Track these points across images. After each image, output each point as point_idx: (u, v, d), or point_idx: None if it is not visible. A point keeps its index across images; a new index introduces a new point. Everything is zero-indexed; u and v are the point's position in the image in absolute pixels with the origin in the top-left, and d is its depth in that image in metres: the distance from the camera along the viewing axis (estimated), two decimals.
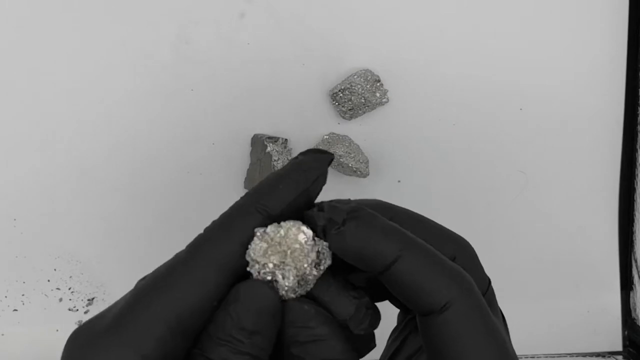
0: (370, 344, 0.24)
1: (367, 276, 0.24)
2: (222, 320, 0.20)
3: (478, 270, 0.24)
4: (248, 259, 0.21)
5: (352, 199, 0.24)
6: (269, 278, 0.21)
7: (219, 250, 0.20)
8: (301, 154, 0.23)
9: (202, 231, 0.21)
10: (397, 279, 0.21)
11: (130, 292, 0.21)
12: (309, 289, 0.22)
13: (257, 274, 0.21)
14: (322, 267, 0.22)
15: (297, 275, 0.21)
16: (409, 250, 0.21)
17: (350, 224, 0.21)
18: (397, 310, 0.27)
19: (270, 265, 0.21)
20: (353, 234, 0.21)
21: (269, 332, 0.21)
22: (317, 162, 0.22)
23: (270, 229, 0.21)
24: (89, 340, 0.20)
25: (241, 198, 0.22)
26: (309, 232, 0.21)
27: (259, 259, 0.21)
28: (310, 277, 0.21)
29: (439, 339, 0.21)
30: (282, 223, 0.21)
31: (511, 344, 0.22)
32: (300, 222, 0.22)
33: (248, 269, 0.21)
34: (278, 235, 0.21)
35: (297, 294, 0.21)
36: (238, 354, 0.20)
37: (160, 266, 0.21)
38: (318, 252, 0.21)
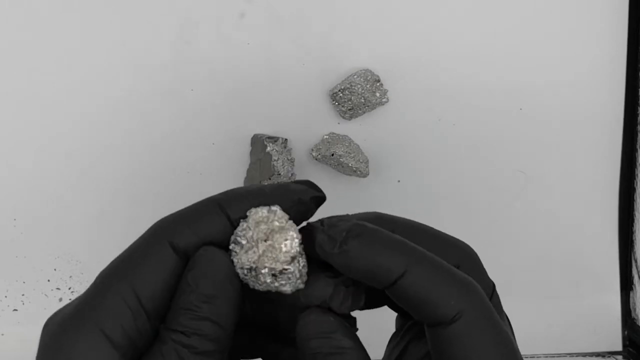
0: (353, 329, 0.25)
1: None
2: (181, 290, 0.20)
3: (482, 276, 0.24)
4: (248, 213, 0.21)
5: (354, 203, 0.24)
6: (242, 242, 0.21)
7: (178, 238, 0.21)
8: (297, 182, 0.23)
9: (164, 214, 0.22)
10: (405, 292, 0.21)
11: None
12: (255, 287, 0.22)
13: (241, 229, 0.21)
14: (275, 284, 0.21)
15: (253, 262, 0.21)
16: (415, 263, 0.21)
17: (353, 242, 0.21)
18: (395, 316, 0.27)
19: (253, 235, 0.21)
20: (357, 251, 0.21)
21: (228, 296, 0.21)
22: (305, 191, 0.22)
23: (279, 213, 0.22)
24: (58, 326, 0.20)
25: (217, 194, 0.22)
26: (292, 251, 0.21)
27: (251, 222, 0.21)
28: (261, 278, 0.21)
29: (447, 349, 0.20)
30: (289, 222, 0.22)
31: (519, 350, 0.22)
32: (296, 234, 0.21)
33: (246, 213, 0.22)
34: (276, 223, 0.21)
35: (242, 276, 0.21)
36: (196, 319, 0.20)
37: (122, 252, 0.22)
38: (283, 270, 0.21)
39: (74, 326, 0.20)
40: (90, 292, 0.21)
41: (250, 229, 0.21)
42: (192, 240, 0.21)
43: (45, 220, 0.43)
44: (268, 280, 0.21)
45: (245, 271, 0.21)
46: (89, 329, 0.20)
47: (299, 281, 0.21)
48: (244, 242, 0.21)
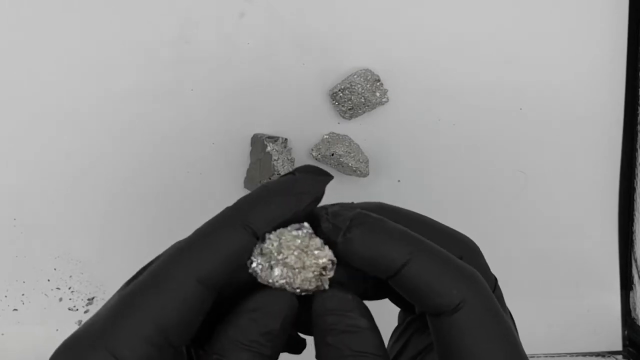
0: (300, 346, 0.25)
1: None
2: (245, 326, 0.20)
3: (484, 269, 0.24)
4: (273, 234, 0.21)
5: (355, 202, 0.24)
6: (272, 261, 0.21)
7: (201, 266, 0.20)
8: (299, 170, 0.22)
9: (183, 237, 0.21)
10: (408, 281, 0.21)
11: (114, 301, 0.20)
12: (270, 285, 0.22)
13: (267, 248, 0.21)
14: (302, 294, 0.22)
15: (287, 284, 0.21)
16: (419, 252, 0.21)
17: (357, 230, 0.21)
18: (397, 310, 0.27)
19: (286, 259, 0.21)
20: (360, 240, 0.21)
21: (287, 333, 0.21)
22: (315, 185, 0.22)
23: (315, 241, 0.21)
24: (75, 357, 0.19)
25: (228, 208, 0.21)
26: (330, 275, 0.21)
27: (283, 246, 0.21)
28: (288, 289, 0.21)
29: (450, 339, 0.20)
30: (326, 248, 0.21)
31: (520, 343, 0.22)
32: (332, 256, 0.21)
33: (267, 235, 0.21)
34: (315, 251, 0.21)
35: (265, 282, 0.21)
36: (261, 357, 0.20)
37: (142, 276, 0.21)
38: (317, 286, 0.21)
39: (93, 358, 0.19)
40: (109, 321, 0.20)
41: (282, 253, 0.21)
42: (215, 263, 0.20)
43: (45, 220, 0.43)
44: (297, 292, 0.21)
45: (276, 285, 0.21)
46: None
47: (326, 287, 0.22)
48: (273, 262, 0.21)
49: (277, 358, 0.21)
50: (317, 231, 0.22)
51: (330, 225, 0.21)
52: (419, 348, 0.24)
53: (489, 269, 0.24)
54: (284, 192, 0.21)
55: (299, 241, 0.21)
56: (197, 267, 0.20)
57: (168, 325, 0.19)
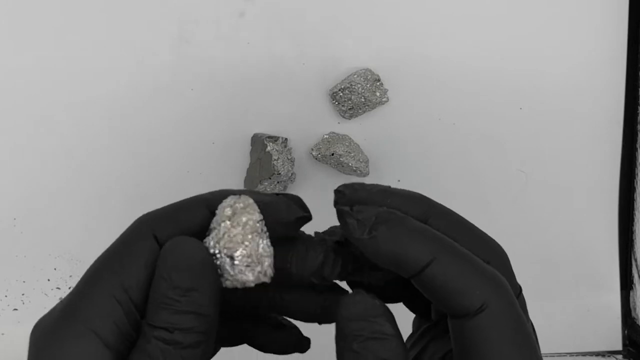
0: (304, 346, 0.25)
1: (384, 277, 0.24)
2: (157, 284, 0.20)
3: (510, 277, 0.24)
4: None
5: (392, 186, 0.24)
6: (210, 227, 0.21)
7: (161, 231, 0.21)
8: (286, 196, 0.22)
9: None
10: (431, 281, 0.20)
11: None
12: (227, 286, 0.21)
13: (231, 204, 0.21)
14: (235, 271, 0.21)
15: (213, 247, 0.21)
16: (443, 252, 0.21)
17: (382, 228, 0.21)
18: (411, 316, 0.27)
19: (218, 219, 0.21)
20: (385, 237, 0.21)
21: (206, 287, 0.20)
22: (292, 216, 0.22)
23: (243, 197, 0.21)
24: (47, 329, 0.20)
25: (205, 193, 0.22)
26: (247, 227, 0.21)
27: (219, 208, 0.21)
28: (220, 265, 0.21)
29: (471, 341, 0.20)
30: (252, 204, 0.21)
31: (538, 345, 0.22)
32: (256, 214, 0.21)
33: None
34: (238, 205, 0.21)
35: (217, 255, 0.21)
36: (178, 313, 0.19)
37: (107, 249, 0.21)
38: (240, 248, 0.21)
39: (64, 328, 0.19)
40: (77, 291, 0.20)
41: (216, 214, 0.21)
42: (174, 233, 0.21)
43: (45, 220, 0.43)
44: (227, 267, 0.20)
45: (218, 249, 0.21)
46: (79, 330, 0.19)
47: (258, 267, 0.21)
48: (211, 227, 0.21)
49: (212, 315, 0.20)
50: (342, 227, 0.22)
51: (355, 222, 0.21)
52: (438, 355, 0.24)
53: (515, 277, 0.24)
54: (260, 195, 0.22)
55: (227, 201, 0.21)
56: (155, 228, 0.21)
57: (129, 282, 0.20)
